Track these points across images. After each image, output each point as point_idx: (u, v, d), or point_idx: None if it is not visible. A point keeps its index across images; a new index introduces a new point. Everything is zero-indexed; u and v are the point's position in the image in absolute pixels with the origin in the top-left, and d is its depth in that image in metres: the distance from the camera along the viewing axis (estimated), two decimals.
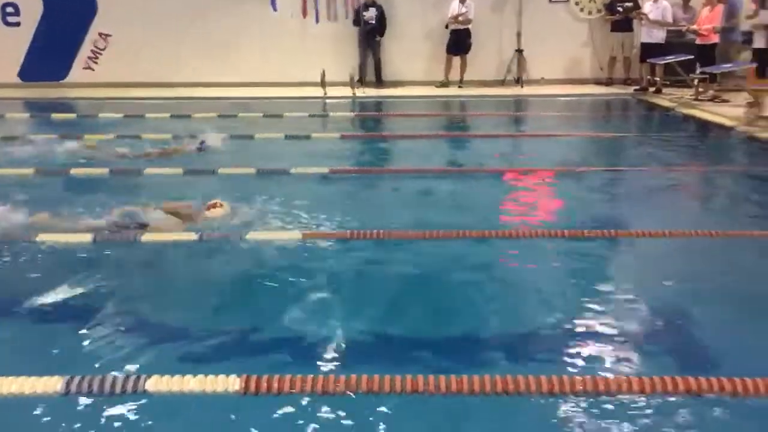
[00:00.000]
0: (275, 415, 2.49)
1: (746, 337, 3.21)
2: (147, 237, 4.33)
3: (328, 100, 11.50)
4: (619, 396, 2.58)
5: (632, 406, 2.55)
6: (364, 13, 12.77)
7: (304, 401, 2.53)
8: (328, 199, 5.50)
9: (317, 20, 13.15)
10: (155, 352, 2.98)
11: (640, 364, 2.91)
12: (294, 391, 2.52)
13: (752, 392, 2.54)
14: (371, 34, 12.85)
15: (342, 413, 2.49)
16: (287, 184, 5.92)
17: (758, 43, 9.87)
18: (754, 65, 9.91)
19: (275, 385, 2.52)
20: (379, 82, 13.12)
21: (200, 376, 2.56)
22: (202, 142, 7.23)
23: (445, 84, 13.04)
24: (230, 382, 2.53)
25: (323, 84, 11.51)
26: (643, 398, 2.57)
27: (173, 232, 4.43)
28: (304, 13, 13.10)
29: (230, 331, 3.20)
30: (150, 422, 2.49)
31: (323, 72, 11.44)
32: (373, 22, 12.76)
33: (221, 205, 4.78)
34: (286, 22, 13.07)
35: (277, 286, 3.71)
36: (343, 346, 3.00)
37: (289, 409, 2.51)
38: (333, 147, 7.81)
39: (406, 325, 3.29)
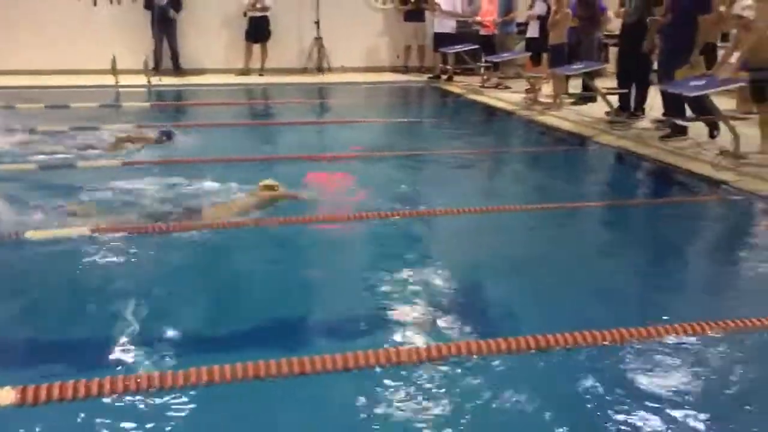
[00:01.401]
0: (59, 426, 2.32)
1: (529, 299, 3.54)
2: None
3: (121, 89, 10.83)
4: (415, 364, 2.73)
5: (431, 373, 2.69)
6: None
7: (91, 406, 2.38)
8: (121, 193, 5.19)
9: (95, 3, 12.36)
10: None
11: (434, 333, 3.07)
12: (78, 397, 2.36)
13: (534, 347, 2.83)
14: (165, 18, 12.26)
15: (132, 413, 2.38)
16: (74, 179, 5.51)
17: (531, 32, 10.85)
18: (530, 54, 10.89)
19: (56, 392, 2.34)
20: (177, 70, 12.59)
21: None
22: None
23: (245, 72, 12.83)
24: (3, 396, 2.32)
25: (114, 72, 10.80)
26: (438, 364, 2.73)
27: None
28: None
29: (5, 341, 2.92)
30: None
31: (114, 59, 10.75)
32: (164, 3, 12.18)
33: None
34: (65, 5, 12.10)
35: (60, 286, 3.45)
36: (131, 344, 2.85)
37: (77, 416, 2.35)
38: None
39: (194, 317, 3.19)
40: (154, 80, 11.33)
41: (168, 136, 7.04)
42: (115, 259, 3.77)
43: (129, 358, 2.75)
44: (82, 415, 2.35)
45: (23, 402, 2.31)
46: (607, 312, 3.35)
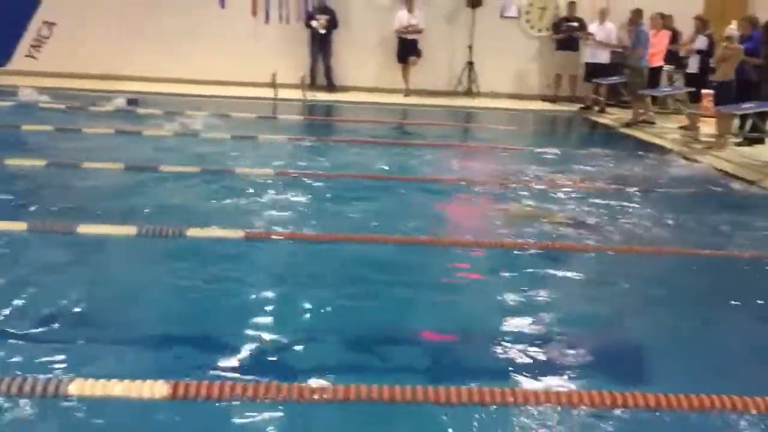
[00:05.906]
0: (204, 422, 2.45)
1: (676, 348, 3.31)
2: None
3: (278, 102, 11.43)
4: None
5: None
6: (317, 17, 12.72)
7: (235, 408, 2.49)
8: (273, 200, 5.46)
9: (267, 20, 13.09)
10: (83, 355, 2.88)
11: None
12: (224, 397, 2.48)
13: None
14: (323, 38, 12.82)
15: (272, 421, 2.46)
16: (231, 184, 5.87)
17: (691, 68, 10.29)
18: (689, 90, 10.30)
19: (204, 391, 2.48)
20: (330, 87, 13.09)
21: (126, 381, 2.50)
22: None
23: (409, 93, 13.04)
24: (158, 388, 2.48)
25: (274, 86, 11.41)
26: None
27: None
28: (254, 11, 13.01)
29: (163, 337, 3.13)
30: (73, 426, 2.41)
31: (274, 74, 11.36)
32: (323, 32, 12.74)
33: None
34: (237, 21, 12.95)
35: (211, 286, 3.66)
36: (278, 351, 2.97)
37: (222, 415, 2.47)
38: (280, 149, 7.77)
39: (346, 329, 3.27)
40: (309, 96, 11.87)
41: None
42: (266, 263, 3.95)
43: (276, 366, 2.86)
44: (227, 416, 2.47)
45: (175, 396, 2.46)
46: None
